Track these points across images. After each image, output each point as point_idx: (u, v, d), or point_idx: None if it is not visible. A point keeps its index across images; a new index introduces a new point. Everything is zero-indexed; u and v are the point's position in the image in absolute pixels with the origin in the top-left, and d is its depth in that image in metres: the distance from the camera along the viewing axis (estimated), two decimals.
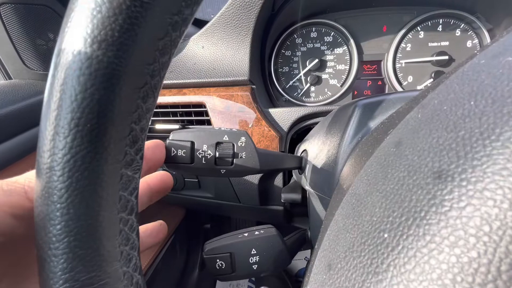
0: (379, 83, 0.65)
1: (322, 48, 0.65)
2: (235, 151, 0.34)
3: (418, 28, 0.60)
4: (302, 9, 0.61)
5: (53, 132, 0.16)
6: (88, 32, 0.15)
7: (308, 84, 0.66)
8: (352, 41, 0.63)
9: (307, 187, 0.40)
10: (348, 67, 0.65)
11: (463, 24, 0.59)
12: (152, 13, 0.15)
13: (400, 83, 0.63)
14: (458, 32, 0.59)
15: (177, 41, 0.18)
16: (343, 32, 0.63)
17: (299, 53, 0.66)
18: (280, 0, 0.55)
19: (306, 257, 1.21)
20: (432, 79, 0.61)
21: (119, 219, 0.19)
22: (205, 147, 0.33)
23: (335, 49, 0.65)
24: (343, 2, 0.61)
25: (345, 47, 0.64)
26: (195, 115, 0.60)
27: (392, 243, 0.14)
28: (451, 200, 0.12)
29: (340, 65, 0.65)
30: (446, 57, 0.59)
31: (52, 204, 0.17)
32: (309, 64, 0.65)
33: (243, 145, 0.35)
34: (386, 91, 0.65)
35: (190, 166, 0.33)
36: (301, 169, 0.43)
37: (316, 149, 0.40)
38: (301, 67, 0.66)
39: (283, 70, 0.67)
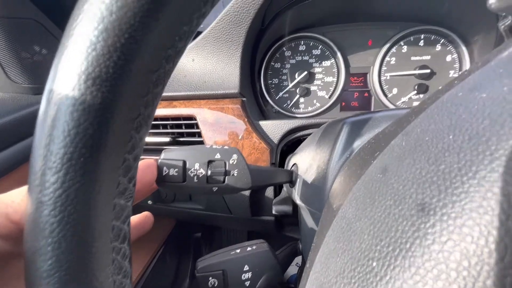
0: (366, 94, 0.67)
1: (311, 60, 0.67)
2: (227, 169, 0.34)
3: (402, 42, 0.63)
4: (290, 24, 0.63)
5: (45, 167, 0.16)
6: (83, 70, 0.15)
7: (298, 96, 0.68)
8: (339, 54, 0.65)
9: (298, 201, 0.41)
10: (335, 79, 0.67)
11: (443, 40, 0.62)
12: (146, 49, 0.16)
13: (385, 95, 0.65)
14: (438, 47, 0.62)
15: (170, 72, 0.19)
16: (331, 45, 0.65)
17: (288, 66, 0.68)
18: (269, 15, 0.56)
19: (297, 263, 1.21)
20: (415, 91, 0.63)
21: (111, 248, 0.19)
22: (197, 166, 0.33)
23: (323, 62, 0.67)
24: (330, 17, 0.63)
25: (333, 60, 0.66)
26: (186, 128, 0.60)
27: (381, 272, 0.14)
28: (433, 234, 0.13)
29: (328, 77, 0.67)
30: (428, 71, 0.62)
31: (43, 239, 0.17)
32: (298, 76, 0.66)
33: (234, 162, 0.35)
34: (373, 103, 0.67)
35: (182, 185, 0.33)
36: (292, 183, 0.44)
37: (306, 163, 0.41)
38: (290, 79, 0.68)
39: (273, 82, 0.69)
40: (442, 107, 0.18)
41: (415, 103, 0.65)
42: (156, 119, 0.61)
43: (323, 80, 0.67)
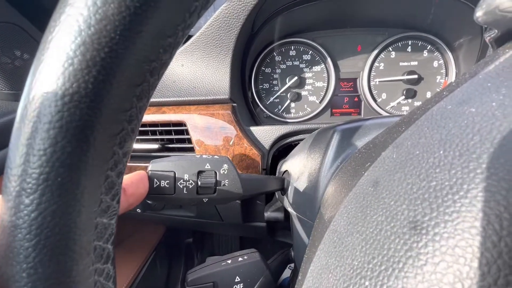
0: (356, 99, 0.68)
1: (301, 65, 0.67)
2: (217, 179, 0.34)
3: (390, 48, 0.64)
4: (281, 29, 0.63)
5: (19, 188, 0.15)
6: (59, 85, 0.14)
7: (288, 101, 0.68)
8: (329, 59, 0.65)
9: (290, 209, 0.41)
10: (326, 84, 0.67)
11: (429, 46, 0.63)
12: (128, 63, 0.15)
13: (375, 100, 0.66)
14: (425, 53, 0.63)
15: (155, 84, 0.18)
16: (321, 51, 0.65)
17: (279, 71, 0.68)
18: (260, 21, 0.56)
19: (290, 266, 1.21)
20: (403, 96, 0.64)
21: (93, 270, 0.18)
22: (186, 177, 0.33)
23: (314, 67, 0.67)
24: (319, 23, 0.64)
25: (323, 65, 0.66)
26: (175, 134, 0.59)
27: None
28: (426, 254, 0.13)
29: (318, 82, 0.67)
30: (416, 76, 0.63)
31: (18, 265, 0.15)
32: (289, 81, 0.66)
33: (225, 172, 0.34)
34: (362, 107, 0.67)
35: (172, 197, 0.32)
36: (284, 191, 0.44)
37: (297, 171, 0.40)
38: (281, 84, 0.67)
39: (264, 87, 0.68)
40: (432, 120, 0.18)
41: (404, 108, 0.66)
42: (144, 125, 0.59)
43: (313, 85, 0.67)
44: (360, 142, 0.33)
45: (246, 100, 0.66)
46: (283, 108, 0.68)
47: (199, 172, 0.33)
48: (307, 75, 0.67)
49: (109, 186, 0.18)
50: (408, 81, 0.63)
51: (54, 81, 0.14)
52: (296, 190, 0.39)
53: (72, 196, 0.16)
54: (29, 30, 0.55)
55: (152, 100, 0.58)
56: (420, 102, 0.65)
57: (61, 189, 0.15)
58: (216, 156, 0.35)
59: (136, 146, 0.59)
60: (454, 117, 0.17)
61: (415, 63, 0.64)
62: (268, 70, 0.68)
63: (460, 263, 0.12)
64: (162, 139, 0.59)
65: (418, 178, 0.15)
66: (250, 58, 0.65)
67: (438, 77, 0.64)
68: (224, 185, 0.34)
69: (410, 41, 0.63)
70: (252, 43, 0.61)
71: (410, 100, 0.65)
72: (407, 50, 0.64)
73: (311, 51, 0.66)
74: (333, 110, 0.68)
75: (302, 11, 0.57)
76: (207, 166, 0.34)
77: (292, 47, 0.67)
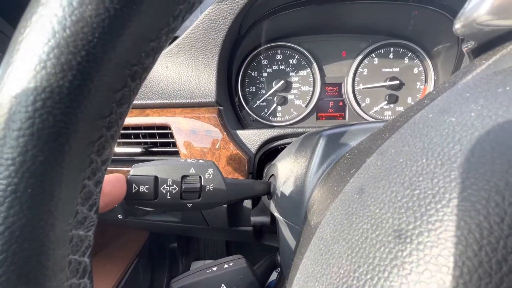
0: (340, 104, 0.69)
1: (287, 70, 0.67)
2: (202, 183, 0.33)
3: (373, 55, 0.66)
4: (267, 33, 0.63)
5: None
6: (30, 89, 0.13)
7: (275, 104, 0.68)
8: (315, 64, 0.66)
9: (276, 214, 0.41)
10: (312, 89, 0.68)
11: (410, 53, 0.65)
12: (107, 67, 0.14)
13: (359, 105, 0.67)
14: (406, 60, 0.65)
15: (137, 89, 0.17)
16: (306, 55, 0.66)
17: (265, 74, 0.68)
18: (246, 24, 0.56)
19: (276, 269, 1.21)
20: (386, 101, 0.66)
21: (68, 286, 0.17)
22: (169, 182, 0.32)
23: (300, 71, 0.67)
24: (305, 28, 0.64)
25: (309, 70, 0.67)
26: (160, 137, 0.57)
27: None
28: (411, 263, 0.13)
29: (304, 87, 0.68)
30: (397, 82, 0.65)
31: None
32: (275, 85, 0.66)
33: (210, 177, 0.34)
34: (347, 112, 0.69)
35: (154, 202, 0.31)
36: (270, 195, 0.43)
37: (283, 175, 0.40)
38: (267, 87, 0.68)
39: (250, 91, 0.68)
40: (415, 128, 0.19)
41: (386, 113, 0.67)
42: (127, 128, 0.57)
43: (299, 89, 0.68)
44: (345, 147, 0.33)
45: (233, 103, 0.66)
46: (269, 111, 0.68)
47: (183, 177, 0.32)
48: (293, 79, 0.68)
49: (86, 196, 0.17)
50: (390, 87, 0.65)
51: (24, 85, 0.13)
52: (282, 194, 0.39)
53: (44, 208, 0.15)
54: (3, 28, 0.52)
55: (135, 102, 0.56)
56: (402, 108, 0.67)
57: (31, 201, 0.14)
58: (201, 160, 0.34)
59: (119, 150, 0.57)
60: (436, 125, 0.17)
61: (397, 69, 0.66)
62: (254, 73, 0.68)
63: (443, 272, 0.12)
64: (145, 143, 0.57)
65: (402, 186, 0.16)
66: (237, 61, 0.65)
67: (418, 83, 0.66)
68: (209, 189, 0.33)
69: (392, 48, 0.65)
70: (238, 46, 0.60)
71: (392, 105, 0.67)
72: (389, 56, 0.66)
73: (297, 56, 0.67)
74: (318, 114, 0.69)
75: (288, 16, 0.57)
76: (192, 170, 0.33)
77: (279, 51, 0.67)
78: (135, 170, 0.31)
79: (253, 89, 0.68)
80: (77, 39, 0.13)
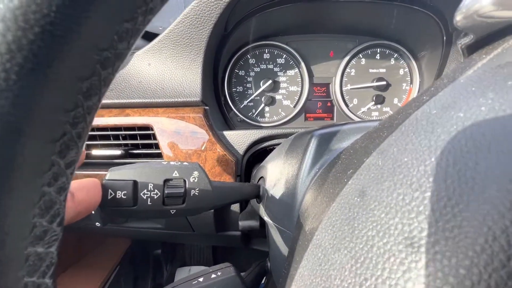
0: (328, 104, 0.68)
1: (275, 69, 0.66)
2: (187, 188, 0.31)
3: (360, 55, 0.66)
4: (255, 31, 0.61)
5: None
6: None
7: (263, 105, 0.66)
8: (303, 64, 0.65)
9: (266, 218, 0.39)
10: (300, 89, 0.67)
11: (396, 54, 0.66)
12: (69, 49, 0.12)
13: (347, 105, 0.67)
14: (392, 61, 0.66)
15: (109, 79, 0.15)
16: (294, 55, 0.65)
17: (252, 74, 0.66)
18: (233, 21, 0.54)
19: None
20: (373, 102, 0.66)
21: None
22: (150, 186, 0.29)
23: (288, 71, 0.66)
24: (293, 27, 0.63)
25: (297, 70, 0.66)
26: (141, 138, 0.54)
27: None
28: (427, 277, 0.11)
29: (292, 87, 0.67)
30: (384, 83, 0.65)
31: None
32: (263, 85, 0.65)
33: (195, 180, 0.31)
34: (335, 112, 0.68)
35: (133, 209, 0.28)
36: (259, 198, 0.41)
37: (273, 177, 0.39)
38: (254, 87, 0.66)
39: (237, 90, 0.66)
40: (417, 125, 0.18)
41: (374, 113, 0.67)
42: (106, 129, 0.54)
43: (287, 89, 0.67)
44: (338, 147, 0.32)
45: (219, 103, 0.63)
46: (257, 112, 0.67)
47: (166, 181, 0.30)
48: (281, 79, 0.66)
49: (46, 205, 0.14)
50: (377, 88, 0.66)
51: None
52: (272, 198, 0.37)
53: None
54: None
55: (114, 101, 0.53)
56: (389, 108, 0.68)
57: None
58: (185, 163, 0.32)
59: (96, 152, 0.53)
60: (442, 122, 0.16)
61: (384, 70, 0.66)
62: (241, 72, 0.66)
63: (467, 285, 0.10)
64: (126, 144, 0.54)
65: (410, 188, 0.14)
66: (223, 60, 0.63)
67: (404, 84, 0.67)
68: (194, 194, 0.31)
69: (378, 49, 0.66)
70: (225, 43, 0.58)
71: (379, 106, 0.67)
72: (376, 57, 0.66)
73: (285, 55, 0.66)
74: (307, 114, 0.68)
75: (276, 13, 0.56)
76: (175, 173, 0.30)
77: (266, 50, 0.65)
78: (112, 174, 0.29)
79: (240, 88, 0.66)
80: (28, 12, 0.10)
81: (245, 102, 0.66)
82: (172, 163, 0.31)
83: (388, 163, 0.17)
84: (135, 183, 0.29)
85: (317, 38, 0.66)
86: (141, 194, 0.29)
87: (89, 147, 0.54)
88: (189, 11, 0.48)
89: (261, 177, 0.43)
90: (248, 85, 0.66)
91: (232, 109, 0.65)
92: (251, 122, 0.66)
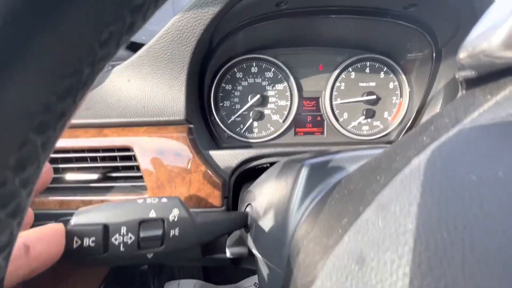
0: (318, 118, 0.66)
1: (263, 83, 0.64)
2: (165, 228, 0.28)
3: (350, 69, 0.64)
4: (242, 45, 0.59)
5: None
6: None
7: (251, 120, 0.64)
8: (291, 77, 0.63)
9: (254, 251, 0.36)
10: (289, 103, 0.65)
11: (385, 68, 0.65)
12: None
13: (337, 119, 0.66)
14: (382, 74, 0.65)
15: (90, 80, 0.12)
16: (283, 68, 0.63)
17: (240, 88, 0.63)
18: (219, 35, 0.51)
19: (255, 282, 1.15)
20: (363, 116, 0.65)
21: None
22: (123, 230, 0.26)
23: (276, 85, 0.64)
24: (281, 40, 0.62)
25: (286, 84, 0.64)
26: (121, 160, 0.50)
27: None
28: None
29: (281, 101, 0.65)
30: (374, 97, 0.64)
31: None
32: (251, 100, 0.62)
33: (175, 219, 0.28)
34: (325, 127, 0.66)
35: (102, 257, 0.25)
36: (247, 228, 0.39)
37: (262, 207, 0.36)
38: (242, 102, 0.63)
39: (224, 105, 0.63)
40: (421, 179, 0.15)
41: (364, 128, 0.66)
42: (82, 151, 0.50)
43: (276, 103, 0.65)
44: (331, 178, 0.30)
45: (205, 120, 0.61)
46: (245, 127, 0.64)
47: (142, 222, 0.27)
48: (270, 93, 0.64)
49: None
50: (368, 102, 0.64)
51: None
52: (261, 230, 0.35)
53: None
54: None
55: (91, 121, 0.49)
56: (379, 122, 0.66)
57: None
58: (163, 199, 0.29)
59: (71, 176, 0.49)
60: (451, 182, 0.14)
61: (373, 83, 0.65)
62: (228, 87, 0.63)
63: None
64: (104, 167, 0.50)
65: (418, 269, 0.12)
66: (209, 74, 0.60)
67: (394, 97, 0.66)
68: (174, 235, 0.28)
69: (368, 63, 0.65)
70: (210, 58, 0.56)
71: (369, 120, 0.66)
72: (366, 71, 0.65)
73: (273, 69, 0.64)
74: (296, 129, 0.66)
75: (264, 28, 0.54)
76: (152, 213, 0.27)
77: (254, 63, 0.63)
78: (79, 218, 0.25)
79: (227, 103, 0.64)
80: None
81: (233, 118, 0.64)
82: (148, 201, 0.28)
83: (390, 226, 0.15)
84: (105, 227, 0.25)
85: (306, 51, 0.64)
86: (113, 239, 0.25)
87: (63, 170, 0.50)
88: (170, 27, 0.45)
89: (249, 203, 0.41)
90: (235, 100, 0.64)
91: (219, 125, 0.62)
92: (239, 138, 0.63)
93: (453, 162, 0.15)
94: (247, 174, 0.55)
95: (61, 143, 0.48)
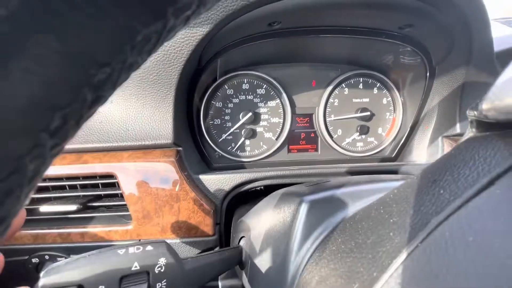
0: (312, 135, 0.65)
1: (255, 100, 0.62)
2: (150, 282, 0.24)
3: (343, 85, 0.63)
4: (232, 62, 0.57)
5: None
6: None
7: (243, 138, 0.61)
8: (284, 94, 0.61)
9: None
10: (282, 120, 0.63)
11: (379, 83, 0.64)
12: None
13: (331, 136, 0.64)
14: (375, 90, 0.64)
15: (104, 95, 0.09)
16: (275, 85, 0.61)
17: (231, 105, 0.61)
18: (207, 56, 0.49)
19: None
20: (358, 133, 0.64)
21: None
22: None
23: (269, 102, 0.62)
24: (272, 57, 0.60)
25: (278, 100, 0.62)
26: (103, 187, 0.47)
27: None
28: None
29: (274, 118, 0.62)
30: (368, 113, 0.63)
31: None
32: (242, 117, 0.60)
33: (162, 270, 0.25)
34: (319, 143, 0.65)
35: None
36: (242, 264, 0.36)
37: (257, 243, 0.33)
38: (234, 120, 0.61)
39: (215, 123, 0.61)
40: (450, 252, 0.13)
41: (358, 144, 0.65)
42: (60, 179, 0.46)
43: (269, 120, 0.62)
44: (332, 218, 0.28)
45: (195, 139, 0.58)
46: (237, 146, 0.62)
47: (123, 278, 0.24)
48: (262, 110, 0.62)
49: None
50: (362, 118, 0.63)
51: None
52: (257, 270, 0.32)
53: None
54: None
55: (68, 146, 0.45)
56: (373, 138, 0.65)
57: None
58: (148, 247, 0.26)
59: (46, 208, 0.44)
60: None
61: (367, 99, 0.64)
62: (219, 104, 0.61)
63: None
64: (84, 196, 0.46)
65: None
66: (198, 91, 0.57)
67: (388, 113, 0.65)
68: (161, 287, 0.25)
69: (361, 79, 0.64)
70: (200, 75, 0.53)
71: (363, 136, 0.65)
72: (359, 87, 0.64)
73: (265, 85, 0.62)
74: (290, 146, 0.64)
75: (256, 46, 0.52)
76: (135, 266, 0.24)
77: (245, 80, 0.61)
78: (48, 279, 0.22)
79: (217, 121, 0.61)
80: None
81: (224, 136, 0.61)
82: (131, 250, 0.25)
83: None
84: None
85: (298, 67, 0.63)
86: None
87: (38, 201, 0.46)
88: None
89: (243, 236, 0.38)
90: (226, 118, 0.61)
91: (209, 145, 0.60)
92: (231, 158, 0.61)
93: (483, 233, 0.13)
94: (240, 197, 0.52)
95: None
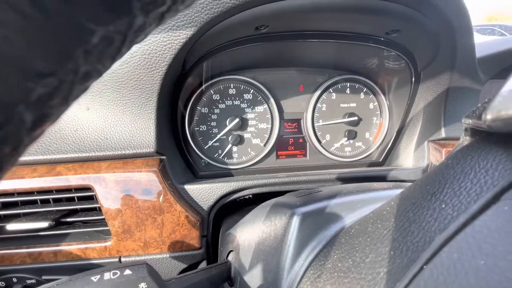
0: (300, 140, 0.64)
1: (242, 105, 0.60)
2: None
3: (331, 90, 0.63)
4: (218, 66, 0.55)
5: None
6: None
7: (230, 145, 0.59)
8: (272, 99, 0.60)
9: None
10: (270, 126, 0.61)
11: (365, 88, 0.64)
12: None
13: (319, 141, 0.63)
14: (362, 95, 0.64)
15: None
16: (263, 90, 0.60)
17: (217, 111, 0.59)
18: (192, 60, 0.47)
19: None
20: (345, 138, 0.63)
21: None
22: None
23: (256, 107, 0.61)
24: (259, 62, 0.59)
25: (266, 105, 0.61)
26: (80, 201, 0.43)
27: None
28: None
29: (262, 124, 0.61)
30: (356, 118, 0.63)
31: None
32: (229, 123, 0.58)
33: None
34: (308, 149, 0.64)
35: None
36: (231, 281, 0.34)
37: (247, 258, 0.31)
38: (220, 126, 0.59)
39: (200, 129, 0.58)
40: (461, 278, 0.12)
41: (346, 149, 0.64)
42: (31, 193, 0.42)
43: (256, 126, 0.61)
44: (325, 231, 0.26)
45: (179, 147, 0.55)
46: (224, 152, 0.60)
47: None
48: (249, 115, 0.60)
49: None
50: (349, 123, 0.63)
51: None
52: (247, 287, 0.30)
53: None
54: None
55: (40, 157, 0.42)
56: (361, 143, 0.65)
57: None
58: (127, 271, 0.23)
59: (14, 226, 0.40)
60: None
61: (354, 104, 0.64)
62: (204, 110, 0.59)
63: None
64: (57, 212, 0.42)
65: None
66: (183, 97, 0.55)
67: (374, 118, 0.65)
68: None
69: (348, 83, 0.64)
70: (184, 80, 0.51)
71: (351, 141, 0.64)
72: (346, 91, 0.64)
73: (252, 90, 0.60)
74: (278, 152, 0.63)
75: (242, 50, 0.50)
76: None
77: (232, 85, 0.59)
78: None
79: (203, 127, 0.59)
80: None
81: (210, 143, 0.59)
82: (106, 276, 0.22)
83: None
84: None
85: (286, 72, 0.62)
86: None
87: (5, 218, 0.42)
88: (136, 50, 0.40)
89: (231, 250, 0.36)
90: (212, 124, 0.59)
91: (195, 152, 0.57)
92: (217, 165, 0.59)
93: (500, 263, 0.11)
94: (228, 206, 0.50)
95: (2, 185, 0.40)
